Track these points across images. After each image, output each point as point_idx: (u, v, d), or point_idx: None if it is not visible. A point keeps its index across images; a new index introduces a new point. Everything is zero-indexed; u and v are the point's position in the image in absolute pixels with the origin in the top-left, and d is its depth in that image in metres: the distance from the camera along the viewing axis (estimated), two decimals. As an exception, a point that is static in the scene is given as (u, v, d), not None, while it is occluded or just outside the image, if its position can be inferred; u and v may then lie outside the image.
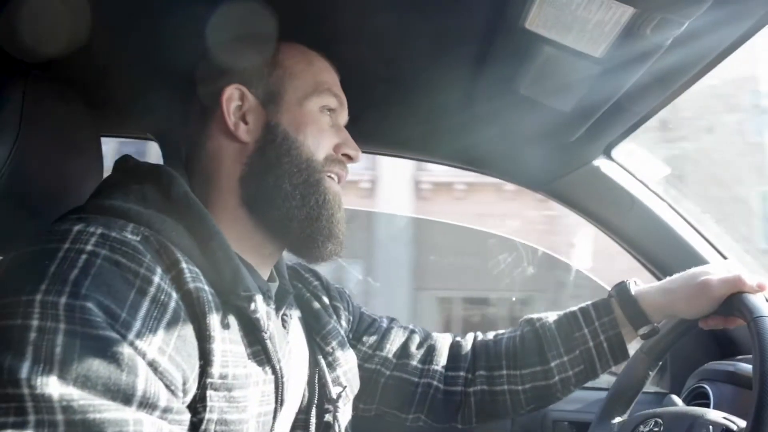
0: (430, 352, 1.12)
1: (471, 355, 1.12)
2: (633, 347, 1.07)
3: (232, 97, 0.83)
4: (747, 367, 1.13)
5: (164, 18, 0.96)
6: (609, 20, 0.80)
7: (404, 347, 1.11)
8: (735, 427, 0.78)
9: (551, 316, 1.09)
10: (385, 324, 1.15)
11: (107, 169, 1.02)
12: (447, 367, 1.11)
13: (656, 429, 0.91)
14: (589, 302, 1.07)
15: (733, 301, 0.88)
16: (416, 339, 1.13)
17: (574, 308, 1.08)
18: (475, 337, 1.16)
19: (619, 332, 1.02)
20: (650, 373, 1.07)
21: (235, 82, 0.84)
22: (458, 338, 1.16)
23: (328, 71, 0.91)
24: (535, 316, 1.11)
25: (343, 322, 1.08)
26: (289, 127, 0.84)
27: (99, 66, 1.07)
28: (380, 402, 1.09)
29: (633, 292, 1.02)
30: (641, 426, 0.94)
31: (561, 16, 0.82)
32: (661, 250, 1.36)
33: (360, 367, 1.05)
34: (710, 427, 0.80)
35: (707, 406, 1.13)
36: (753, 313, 0.80)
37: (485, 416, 1.09)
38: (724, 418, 0.81)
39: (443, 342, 1.14)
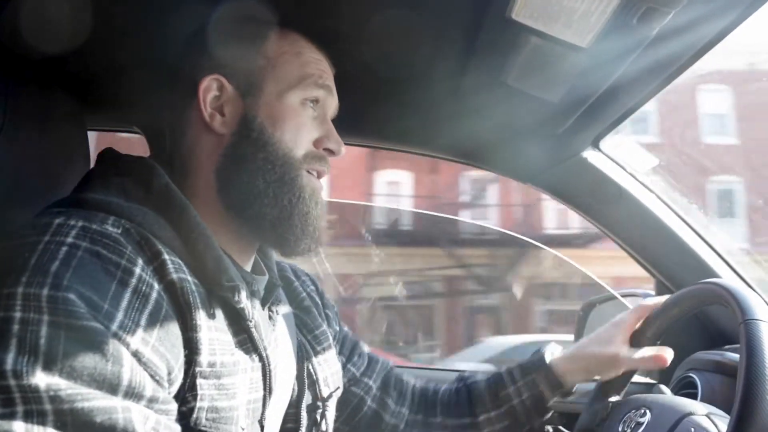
0: (401, 395, 1.18)
1: (412, 400, 1.19)
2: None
3: (209, 87, 0.81)
4: (734, 356, 1.13)
5: (150, 9, 0.94)
6: (595, 10, 0.79)
7: (385, 383, 1.17)
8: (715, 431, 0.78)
9: (481, 376, 1.19)
10: (365, 351, 1.20)
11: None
12: (409, 410, 1.18)
13: (644, 419, 0.91)
14: (517, 363, 1.15)
15: (725, 297, 0.85)
16: (393, 377, 1.19)
17: (503, 368, 1.16)
18: (415, 384, 1.23)
19: (540, 391, 1.10)
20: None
21: (216, 72, 0.81)
22: (410, 381, 1.23)
23: (316, 62, 0.87)
24: (467, 373, 1.22)
25: (332, 331, 1.09)
26: (266, 120, 0.81)
27: (84, 59, 1.05)
28: (355, 428, 1.13)
29: (547, 361, 1.11)
30: (631, 412, 0.94)
31: (547, 6, 0.81)
32: (649, 241, 1.37)
33: (347, 388, 1.09)
34: (692, 429, 0.80)
35: (695, 396, 1.13)
36: (745, 315, 0.78)
37: None
38: (708, 418, 0.81)
39: (409, 385, 1.21)
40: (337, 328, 1.13)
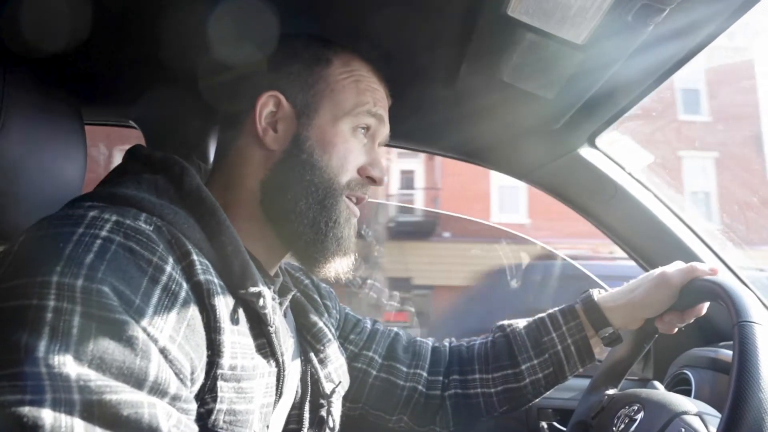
0: (415, 357, 1.15)
1: (447, 360, 1.16)
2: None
3: (267, 103, 0.84)
4: (728, 353, 1.14)
5: (156, 10, 0.94)
6: (590, 6, 0.79)
7: (391, 349, 1.14)
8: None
9: (521, 323, 1.14)
10: (369, 325, 1.18)
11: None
12: (429, 372, 1.14)
13: (637, 416, 0.91)
14: (557, 308, 1.11)
15: (721, 296, 0.84)
16: (402, 342, 1.16)
17: (543, 314, 1.12)
18: (450, 343, 1.20)
19: (585, 335, 1.06)
20: (645, 346, 1.08)
21: (275, 89, 0.84)
22: (437, 343, 1.20)
23: (373, 91, 0.89)
24: (506, 322, 1.15)
25: (332, 320, 1.09)
26: (316, 143, 0.83)
27: (84, 56, 1.05)
28: (366, 402, 1.12)
29: (596, 298, 1.07)
30: (625, 408, 0.95)
31: (543, 2, 0.81)
32: (644, 238, 1.37)
33: (348, 365, 1.07)
34: (683, 429, 0.80)
35: (689, 392, 1.14)
36: (739, 317, 0.77)
37: (461, 419, 1.13)
38: (700, 418, 0.81)
39: (426, 347, 1.18)
40: (338, 316, 1.13)
